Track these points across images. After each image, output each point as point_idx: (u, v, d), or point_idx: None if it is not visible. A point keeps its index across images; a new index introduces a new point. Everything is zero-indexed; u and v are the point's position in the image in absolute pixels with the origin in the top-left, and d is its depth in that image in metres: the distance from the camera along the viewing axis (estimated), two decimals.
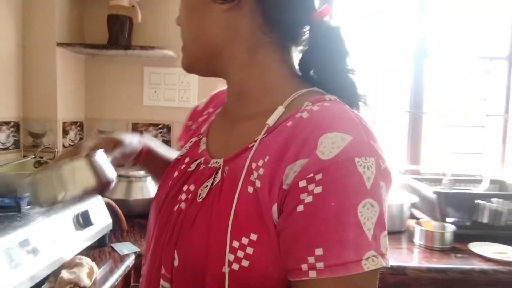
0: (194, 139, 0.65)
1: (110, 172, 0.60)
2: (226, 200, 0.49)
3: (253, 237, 0.46)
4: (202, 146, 0.61)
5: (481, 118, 1.94)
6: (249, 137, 0.52)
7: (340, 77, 0.54)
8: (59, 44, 1.56)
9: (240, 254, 0.46)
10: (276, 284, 0.46)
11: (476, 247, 1.35)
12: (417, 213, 1.69)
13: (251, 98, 0.56)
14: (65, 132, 1.65)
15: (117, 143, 0.68)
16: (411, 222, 1.64)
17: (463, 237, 1.41)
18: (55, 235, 0.99)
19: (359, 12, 1.91)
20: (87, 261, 1.00)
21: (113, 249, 1.24)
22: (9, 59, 1.50)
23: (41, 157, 1.54)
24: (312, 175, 0.43)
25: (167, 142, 1.82)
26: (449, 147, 1.95)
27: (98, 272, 1.03)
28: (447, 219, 1.48)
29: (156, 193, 0.63)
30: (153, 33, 1.74)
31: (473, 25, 1.90)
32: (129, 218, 1.55)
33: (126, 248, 1.24)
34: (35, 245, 0.90)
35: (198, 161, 0.58)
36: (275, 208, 0.46)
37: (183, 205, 0.54)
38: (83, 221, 1.10)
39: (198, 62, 0.59)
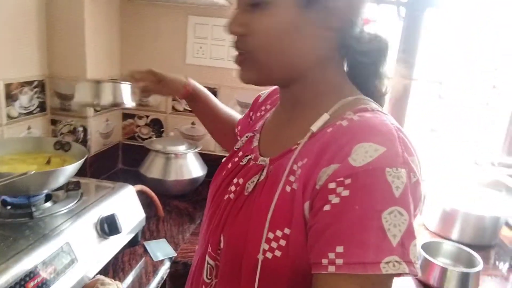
0: (249, 134, 0.70)
1: (126, 99, 0.80)
2: (267, 196, 0.54)
3: (287, 231, 0.50)
4: (255, 143, 0.66)
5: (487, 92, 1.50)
6: (293, 140, 0.56)
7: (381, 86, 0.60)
8: None
9: (274, 244, 0.51)
10: (303, 277, 0.49)
11: None
12: None
13: (303, 105, 0.59)
14: None
15: (160, 80, 0.89)
16: (507, 233, 1.33)
17: None
18: (74, 251, 0.80)
19: None
20: (112, 283, 0.81)
21: (145, 250, 1.06)
22: (30, 6, 1.24)
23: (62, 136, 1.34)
24: (342, 179, 0.46)
25: None
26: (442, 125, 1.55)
27: None
28: None
29: (212, 181, 0.69)
30: None
31: None
32: (166, 199, 1.36)
33: (161, 251, 1.05)
34: (47, 272, 0.71)
35: (249, 157, 0.63)
36: (307, 205, 0.49)
37: (232, 196, 0.61)
38: (109, 229, 0.90)
39: (276, 78, 0.59)
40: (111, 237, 0.91)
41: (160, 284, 0.95)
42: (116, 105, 0.80)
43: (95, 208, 0.92)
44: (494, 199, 1.34)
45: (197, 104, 0.96)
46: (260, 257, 0.51)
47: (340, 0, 0.52)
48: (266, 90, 0.82)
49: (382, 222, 0.43)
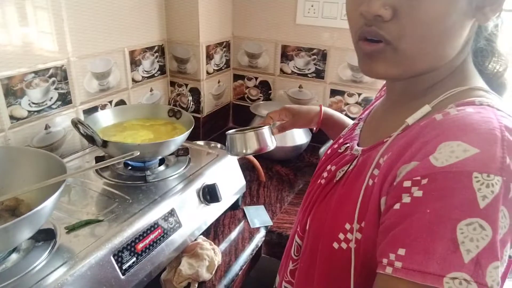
0: (355, 122, 0.69)
1: (269, 142, 0.89)
2: (349, 187, 0.53)
3: (363, 224, 0.49)
4: (357, 131, 0.64)
5: None
6: (389, 132, 0.52)
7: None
8: None
9: (349, 236, 0.51)
10: (368, 274, 0.48)
11: None
12: None
13: (413, 95, 0.54)
14: (209, 57, 1.47)
15: (295, 114, 0.93)
16: None
17: None
18: (179, 215, 0.88)
19: None
20: (207, 252, 0.88)
21: (244, 214, 1.11)
22: None
23: (176, 104, 1.43)
24: (419, 178, 0.41)
25: (320, 72, 1.48)
26: None
27: (219, 261, 0.92)
28: None
29: (318, 165, 0.71)
30: None
31: None
32: (269, 163, 1.39)
33: (258, 218, 1.10)
34: (156, 234, 0.81)
35: (347, 145, 0.62)
36: (383, 201, 0.47)
37: (323, 181, 0.61)
38: (210, 196, 0.96)
39: (406, 76, 0.51)
40: (212, 204, 0.98)
41: (254, 251, 1.00)
42: (261, 150, 0.88)
43: (200, 176, 0.99)
44: None
45: (330, 128, 0.94)
46: (335, 245, 0.52)
47: None
48: None
49: (456, 233, 0.38)
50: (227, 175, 1.07)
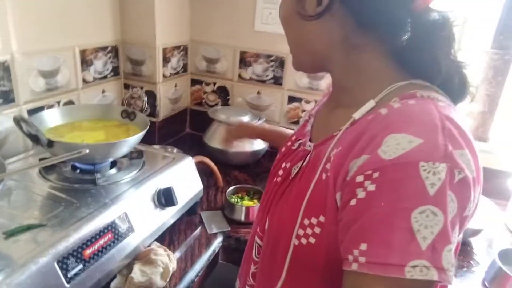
0: (305, 119, 0.70)
1: None
2: (305, 182, 0.54)
3: (322, 219, 0.49)
4: (308, 127, 0.65)
5: None
6: (337, 126, 0.54)
7: (448, 69, 0.51)
8: None
9: (308, 231, 0.51)
10: (336, 267, 0.47)
11: None
12: None
13: (348, 92, 0.57)
14: (166, 60, 1.44)
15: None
16: None
17: None
18: (131, 219, 0.84)
19: None
20: (162, 258, 0.84)
21: (201, 220, 1.08)
22: None
23: (130, 105, 1.38)
24: (370, 172, 0.42)
25: (278, 79, 1.50)
26: None
27: (174, 268, 0.88)
28: None
29: (273, 165, 0.71)
30: None
31: None
32: (227, 168, 1.37)
33: (215, 224, 1.07)
34: (105, 239, 0.75)
35: (300, 141, 0.63)
36: (338, 196, 0.47)
37: (279, 179, 0.62)
38: (165, 200, 0.92)
39: (305, 65, 0.61)
40: (167, 208, 0.94)
41: (211, 257, 0.97)
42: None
43: (154, 179, 0.95)
44: None
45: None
46: (295, 241, 0.51)
47: None
48: None
49: (411, 222, 0.39)
50: (184, 179, 1.04)
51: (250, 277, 0.68)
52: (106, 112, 1.08)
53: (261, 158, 1.47)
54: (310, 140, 0.62)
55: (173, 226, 1.02)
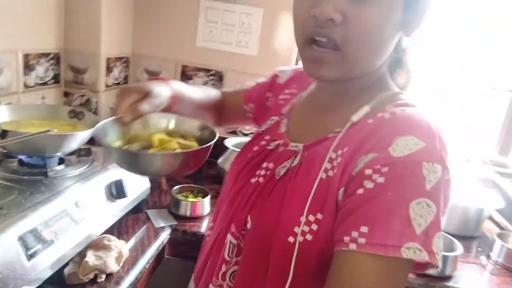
0: (275, 118, 0.69)
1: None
2: (302, 181, 0.54)
3: (319, 216, 0.51)
4: (283, 128, 0.65)
5: None
6: (330, 128, 0.57)
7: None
8: None
9: (305, 228, 0.52)
10: (329, 262, 0.49)
11: None
12: (499, 216, 1.43)
13: (346, 96, 0.59)
14: (109, 70, 1.48)
15: (146, 94, 0.64)
16: (490, 227, 1.40)
17: None
18: (84, 209, 0.87)
19: None
20: (115, 243, 0.88)
21: (148, 217, 1.13)
22: None
23: (81, 104, 1.40)
24: (379, 166, 0.47)
25: None
26: None
27: (127, 253, 0.92)
28: None
29: (234, 161, 0.69)
30: None
31: None
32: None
33: (162, 219, 1.12)
34: (57, 226, 0.78)
35: (277, 142, 0.64)
36: (341, 191, 0.50)
37: (261, 179, 0.60)
38: (117, 192, 0.97)
39: (346, 79, 0.56)
40: (118, 201, 0.98)
41: (160, 248, 1.02)
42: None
43: (104, 173, 0.99)
44: (481, 194, 1.40)
45: (182, 109, 0.76)
46: (299, 238, 0.52)
47: (426, 10, 0.53)
48: (283, 72, 0.79)
49: (409, 211, 0.45)
50: (132, 176, 1.09)
51: (220, 278, 0.63)
52: (54, 112, 1.10)
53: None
54: (291, 141, 0.63)
55: (120, 222, 1.05)
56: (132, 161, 0.62)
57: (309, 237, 0.52)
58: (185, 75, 1.62)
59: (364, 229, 0.45)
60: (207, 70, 1.60)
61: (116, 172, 1.02)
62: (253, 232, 0.58)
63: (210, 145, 0.64)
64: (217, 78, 1.60)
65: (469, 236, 1.32)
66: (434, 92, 1.65)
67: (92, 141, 1.01)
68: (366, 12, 0.49)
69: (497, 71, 1.58)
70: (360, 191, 0.48)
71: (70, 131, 1.04)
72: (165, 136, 0.69)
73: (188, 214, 1.15)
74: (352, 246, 0.45)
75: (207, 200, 1.19)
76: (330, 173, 0.52)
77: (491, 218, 1.44)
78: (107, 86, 1.49)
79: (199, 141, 0.71)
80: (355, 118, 0.55)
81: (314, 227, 0.52)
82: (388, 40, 0.53)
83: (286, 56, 1.54)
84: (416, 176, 0.46)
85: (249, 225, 0.58)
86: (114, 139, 0.67)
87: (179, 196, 1.19)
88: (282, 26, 1.51)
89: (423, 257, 0.44)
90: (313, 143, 0.58)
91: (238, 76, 1.59)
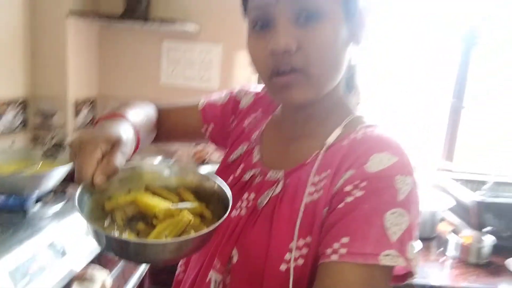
0: (245, 147, 0.68)
1: None
2: (288, 208, 0.55)
3: (308, 239, 0.53)
4: (256, 156, 0.65)
5: None
6: (307, 153, 0.59)
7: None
8: (71, 13, 1.40)
9: (296, 254, 0.53)
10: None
11: None
12: (450, 216, 1.57)
13: (317, 120, 0.61)
14: (77, 112, 1.53)
15: (115, 143, 0.50)
16: (444, 227, 1.53)
17: (501, 249, 1.30)
18: (65, 245, 0.90)
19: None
20: (99, 275, 0.91)
21: None
22: (16, 29, 1.36)
23: (53, 146, 1.42)
24: (358, 182, 0.50)
25: None
26: (488, 145, 1.80)
27: (110, 283, 0.95)
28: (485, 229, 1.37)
29: None
30: (174, 3, 1.57)
31: None
32: None
33: None
34: (43, 261, 0.81)
35: (253, 172, 0.63)
36: (325, 211, 0.52)
37: (243, 212, 0.60)
38: None
39: (317, 99, 0.57)
40: None
41: (142, 277, 1.06)
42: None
43: None
44: (433, 198, 1.54)
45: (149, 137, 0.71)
46: (293, 264, 0.52)
47: (369, 16, 0.58)
48: (243, 95, 0.76)
49: (384, 221, 0.48)
50: None
51: None
52: (28, 155, 1.13)
53: None
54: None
55: (102, 252, 1.08)
56: (136, 251, 0.45)
57: (300, 261, 0.53)
58: None
59: (344, 240, 0.48)
60: None
61: None
62: (241, 265, 0.57)
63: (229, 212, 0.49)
64: None
65: (427, 238, 1.44)
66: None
67: (69, 178, 1.05)
68: (316, 33, 0.52)
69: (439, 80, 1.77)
70: (341, 205, 0.50)
71: (46, 171, 1.08)
72: (171, 206, 0.52)
73: None
74: (334, 257, 0.48)
75: None
76: (315, 196, 0.54)
77: (444, 220, 1.58)
78: (75, 128, 1.53)
79: (195, 194, 0.56)
80: (330, 141, 0.57)
81: (305, 251, 0.53)
82: (342, 53, 0.55)
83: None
84: (390, 189, 0.49)
85: (235, 259, 0.57)
86: (89, 213, 0.48)
87: None
88: (240, 58, 1.64)
89: (400, 263, 0.47)
90: (292, 169, 0.59)
91: None
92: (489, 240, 1.29)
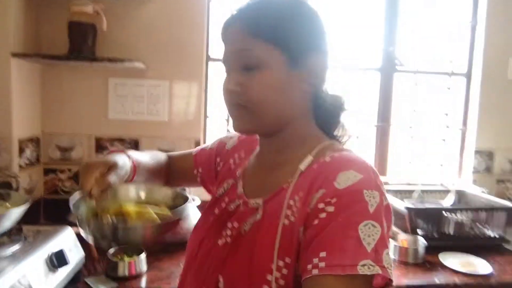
0: (231, 181, 0.76)
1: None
2: (267, 232, 0.60)
3: (288, 260, 0.57)
4: (240, 189, 0.72)
5: (442, 131, 2.04)
6: (283, 179, 0.65)
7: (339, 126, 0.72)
8: (14, 55, 1.39)
9: (277, 274, 0.57)
10: None
11: (446, 258, 1.42)
12: None
13: (289, 149, 0.68)
14: (21, 151, 1.49)
15: (111, 166, 0.68)
16: None
17: (432, 248, 1.46)
18: (31, 282, 0.89)
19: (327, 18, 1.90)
20: None
21: (89, 285, 1.14)
22: None
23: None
24: (329, 199, 0.55)
25: None
26: (414, 159, 2.03)
27: None
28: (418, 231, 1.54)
29: (197, 226, 0.76)
30: (120, 42, 1.62)
31: (436, 41, 1.98)
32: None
33: (103, 285, 1.15)
34: None
35: (237, 203, 0.70)
36: (301, 229, 0.57)
37: (229, 239, 0.66)
38: (58, 261, 1.00)
39: (261, 130, 0.68)
40: (59, 270, 1.00)
41: None
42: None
43: (41, 247, 1.01)
44: None
45: (140, 176, 0.80)
46: (274, 285, 0.57)
47: (317, 62, 0.65)
48: (229, 139, 0.86)
49: (358, 233, 0.52)
50: (68, 249, 1.11)
51: None
52: None
53: None
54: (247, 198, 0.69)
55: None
56: (114, 233, 0.66)
57: (281, 282, 0.56)
58: (101, 147, 1.69)
59: (323, 254, 0.52)
60: (122, 140, 1.70)
61: (53, 245, 1.04)
62: None
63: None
64: (133, 146, 1.71)
65: None
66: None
67: (24, 219, 1.04)
68: (256, 79, 0.63)
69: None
70: (316, 222, 0.55)
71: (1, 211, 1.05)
72: (141, 208, 0.73)
73: (126, 273, 1.19)
74: (315, 272, 0.51)
75: (142, 256, 1.25)
76: (292, 217, 0.59)
77: None
78: (20, 167, 1.49)
79: (172, 208, 0.77)
80: (302, 167, 0.63)
81: (285, 271, 0.56)
82: (284, 93, 0.64)
83: (195, 118, 1.73)
84: (360, 202, 0.54)
85: (221, 285, 0.62)
86: (85, 213, 0.69)
87: (115, 259, 1.23)
88: (188, 93, 1.71)
89: (377, 271, 0.51)
90: (271, 196, 0.65)
91: (153, 141, 1.72)
92: (422, 242, 1.46)
